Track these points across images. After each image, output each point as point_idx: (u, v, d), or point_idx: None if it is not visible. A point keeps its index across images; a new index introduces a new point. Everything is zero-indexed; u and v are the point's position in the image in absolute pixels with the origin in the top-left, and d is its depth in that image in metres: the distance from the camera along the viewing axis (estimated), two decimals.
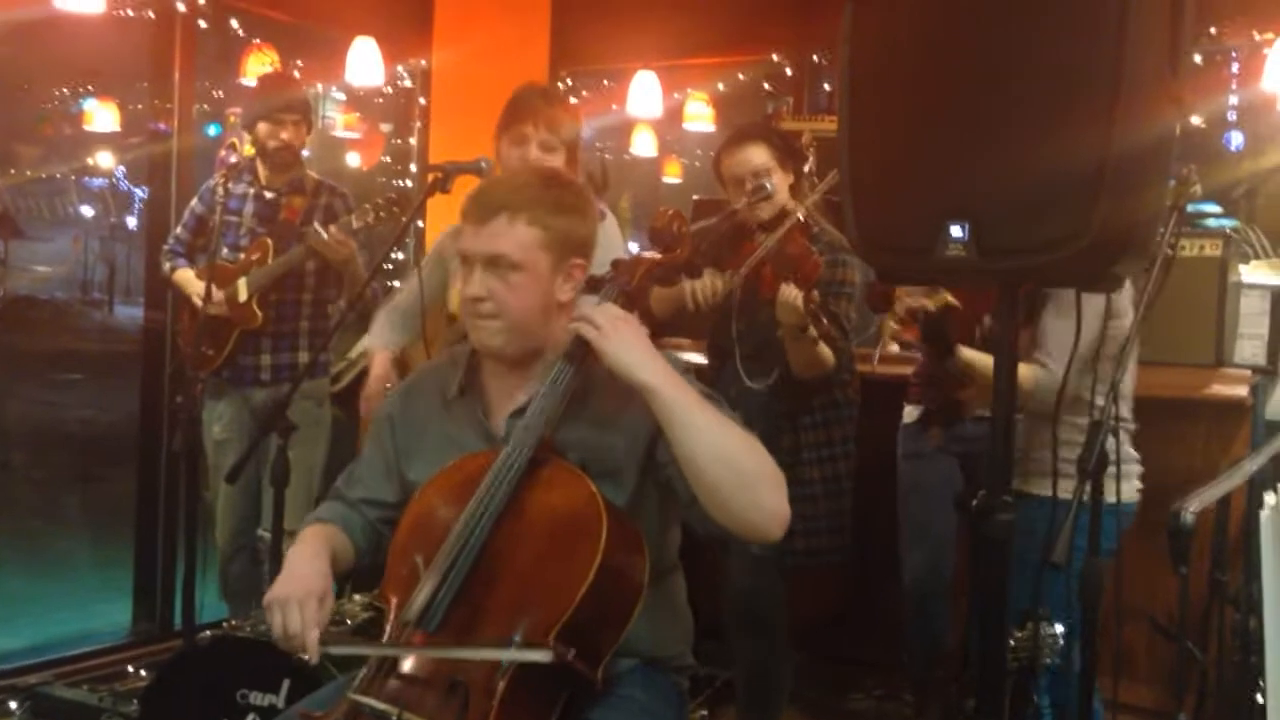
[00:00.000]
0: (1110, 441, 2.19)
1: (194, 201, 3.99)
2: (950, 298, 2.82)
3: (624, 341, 1.78)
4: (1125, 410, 2.78)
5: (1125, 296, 2.64)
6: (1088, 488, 2.18)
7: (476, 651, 1.70)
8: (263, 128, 3.80)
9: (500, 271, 1.88)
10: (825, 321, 2.82)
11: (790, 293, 2.79)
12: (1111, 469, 2.24)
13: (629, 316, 1.84)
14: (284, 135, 3.78)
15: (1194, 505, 2.19)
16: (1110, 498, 2.27)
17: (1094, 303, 2.46)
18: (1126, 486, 2.72)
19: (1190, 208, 3.08)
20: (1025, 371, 2.65)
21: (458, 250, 1.93)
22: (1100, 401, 2.27)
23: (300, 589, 1.79)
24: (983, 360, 2.70)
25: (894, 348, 3.51)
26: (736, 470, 1.72)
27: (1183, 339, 3.55)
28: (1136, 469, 2.83)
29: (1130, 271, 2.02)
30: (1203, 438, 3.65)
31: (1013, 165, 1.76)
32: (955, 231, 1.82)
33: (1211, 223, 3.83)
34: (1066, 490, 2.21)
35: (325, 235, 3.60)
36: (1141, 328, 2.45)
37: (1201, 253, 3.63)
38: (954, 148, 1.82)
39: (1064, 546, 2.06)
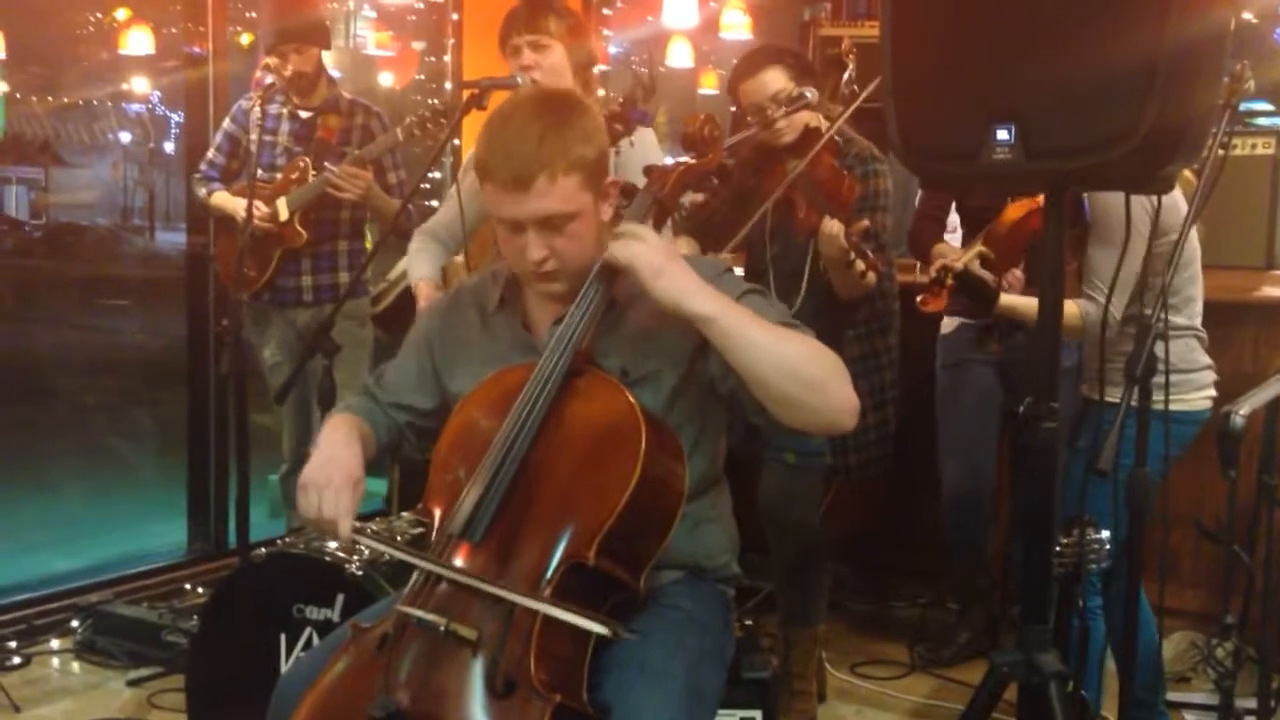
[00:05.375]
0: (1160, 347, 2.15)
1: (226, 122, 3.98)
2: (983, 247, 2.86)
3: (671, 279, 1.75)
4: (1193, 317, 2.72)
5: (1175, 214, 2.54)
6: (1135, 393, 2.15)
7: (495, 589, 1.69)
8: (272, 61, 3.77)
9: (555, 227, 1.85)
10: (870, 253, 2.75)
11: (832, 227, 2.73)
12: (1171, 377, 2.21)
13: (664, 248, 1.80)
14: (290, 68, 3.75)
15: (1244, 408, 2.17)
16: (1171, 405, 2.24)
17: (1138, 228, 2.41)
18: (1197, 395, 2.69)
19: (1242, 106, 3.00)
20: (1073, 307, 2.63)
21: (498, 218, 1.88)
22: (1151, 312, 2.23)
23: (339, 475, 1.83)
24: (1025, 303, 2.74)
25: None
26: (802, 378, 1.73)
27: (1233, 241, 3.49)
28: (1209, 376, 2.75)
29: (1181, 171, 1.97)
30: (1252, 341, 3.60)
31: (1061, 63, 1.72)
32: (1001, 134, 1.78)
33: (1263, 121, 3.73)
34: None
35: (336, 173, 3.58)
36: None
37: (1253, 151, 3.54)
38: (1000, 47, 1.77)
39: (1110, 454, 2.05)
